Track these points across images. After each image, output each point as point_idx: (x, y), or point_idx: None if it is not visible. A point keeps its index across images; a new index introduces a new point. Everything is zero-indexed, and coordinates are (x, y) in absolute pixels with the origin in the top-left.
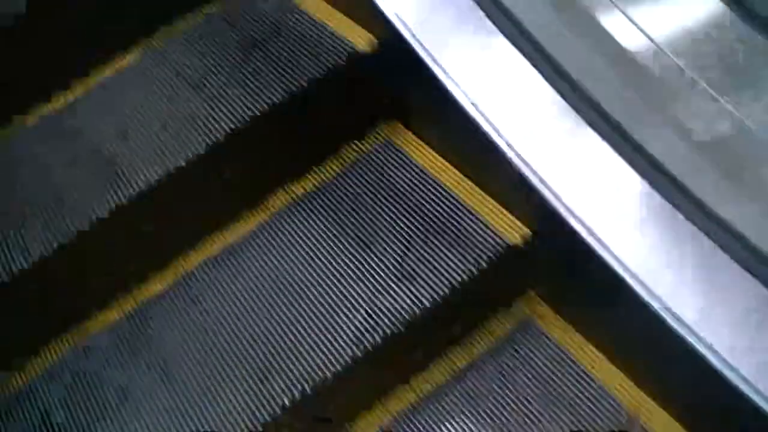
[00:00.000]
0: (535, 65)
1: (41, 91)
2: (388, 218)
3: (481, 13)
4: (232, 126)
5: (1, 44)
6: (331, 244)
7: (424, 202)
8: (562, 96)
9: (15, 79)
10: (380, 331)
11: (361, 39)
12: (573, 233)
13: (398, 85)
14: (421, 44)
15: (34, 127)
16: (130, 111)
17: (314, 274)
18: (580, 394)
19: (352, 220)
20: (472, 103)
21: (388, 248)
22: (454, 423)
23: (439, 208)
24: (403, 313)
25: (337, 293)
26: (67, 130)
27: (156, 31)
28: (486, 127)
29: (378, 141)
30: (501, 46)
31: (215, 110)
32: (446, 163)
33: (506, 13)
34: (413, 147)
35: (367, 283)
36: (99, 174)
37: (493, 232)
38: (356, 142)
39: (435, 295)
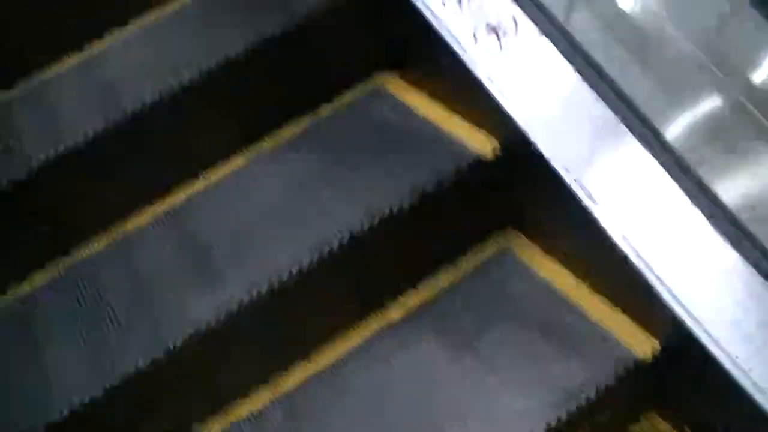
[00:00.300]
0: (675, 178)
1: (153, 189)
2: (505, 330)
3: (618, 121)
4: (347, 233)
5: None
6: (450, 358)
7: (545, 313)
8: (703, 212)
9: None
10: None
11: (482, 145)
12: (704, 352)
13: (520, 192)
14: (552, 153)
15: (147, 225)
16: (237, 215)
17: (432, 392)
18: None
19: (471, 332)
20: (606, 220)
21: (508, 363)
22: None
23: (562, 319)
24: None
25: (456, 411)
26: (175, 230)
27: (266, 134)
28: (624, 246)
29: (495, 249)
30: (637, 154)
31: (328, 217)
32: (567, 272)
33: (643, 120)
34: (532, 255)
35: (487, 400)
36: (205, 279)
37: (620, 344)
38: (473, 250)
39: (563, 411)
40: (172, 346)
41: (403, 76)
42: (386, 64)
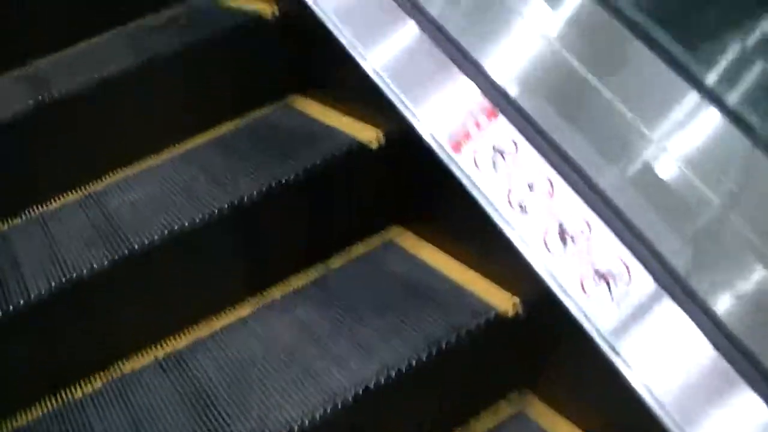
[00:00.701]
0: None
1: (153, 333)
2: None
3: (657, 286)
4: (361, 387)
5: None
6: None
7: None
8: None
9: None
10: None
11: (502, 301)
12: None
13: (539, 351)
14: (582, 313)
15: (146, 370)
16: (243, 363)
17: None
18: None
19: None
20: (640, 385)
21: None
22: None
23: None
24: None
25: None
26: (178, 374)
27: (275, 283)
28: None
29: (511, 410)
30: (677, 318)
31: (340, 369)
32: None
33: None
34: (548, 416)
35: None
36: (209, 427)
37: None
38: (488, 409)
39: None
40: None
41: (415, 231)
42: (399, 217)
